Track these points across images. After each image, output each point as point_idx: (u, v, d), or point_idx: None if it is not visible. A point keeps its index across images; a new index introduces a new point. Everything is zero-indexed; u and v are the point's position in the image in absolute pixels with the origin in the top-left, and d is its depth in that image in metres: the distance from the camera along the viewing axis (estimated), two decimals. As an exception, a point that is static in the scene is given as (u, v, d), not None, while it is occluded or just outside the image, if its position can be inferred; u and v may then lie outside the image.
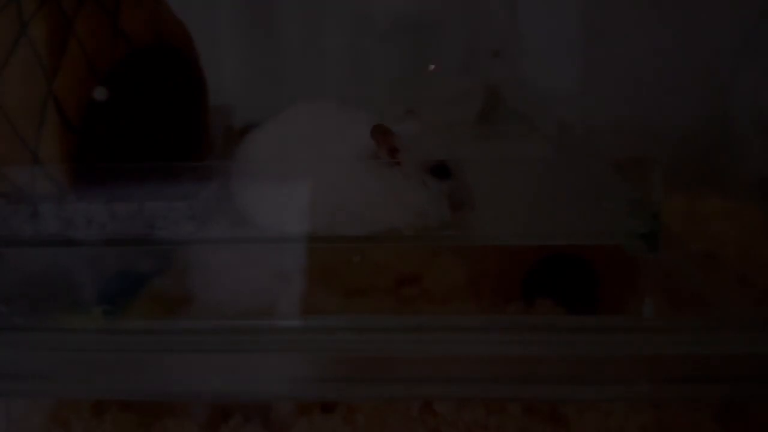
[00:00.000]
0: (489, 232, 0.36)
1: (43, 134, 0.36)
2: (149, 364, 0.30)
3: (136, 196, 0.34)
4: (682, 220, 0.49)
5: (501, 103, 0.53)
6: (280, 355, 0.30)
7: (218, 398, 0.34)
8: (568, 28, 0.55)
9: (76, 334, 0.31)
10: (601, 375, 0.30)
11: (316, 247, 0.35)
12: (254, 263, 0.38)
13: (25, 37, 0.35)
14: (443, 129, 0.49)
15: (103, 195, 0.35)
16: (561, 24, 0.55)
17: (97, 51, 0.36)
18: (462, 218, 0.34)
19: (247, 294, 0.36)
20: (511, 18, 0.56)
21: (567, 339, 0.30)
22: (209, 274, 0.38)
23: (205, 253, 0.37)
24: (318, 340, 0.31)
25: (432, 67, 0.36)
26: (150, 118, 0.39)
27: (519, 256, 0.42)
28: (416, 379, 0.30)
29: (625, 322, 0.32)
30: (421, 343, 0.30)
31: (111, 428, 0.35)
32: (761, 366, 0.30)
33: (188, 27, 0.42)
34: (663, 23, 0.53)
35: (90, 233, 0.34)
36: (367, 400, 0.34)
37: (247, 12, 0.56)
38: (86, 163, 0.36)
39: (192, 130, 0.43)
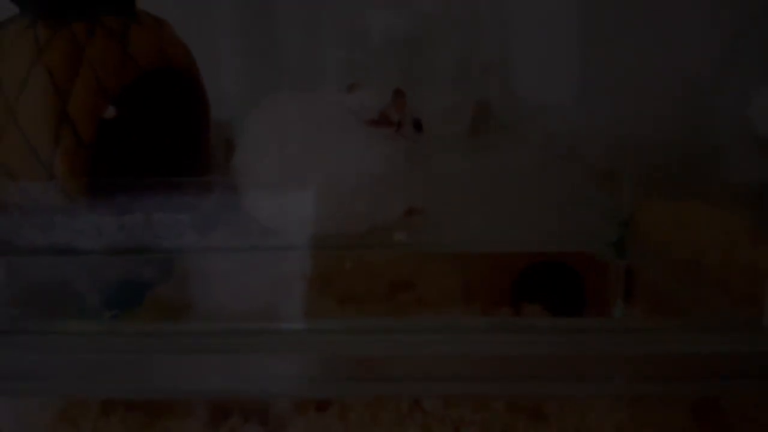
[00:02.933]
0: (472, 239, 0.37)
1: (58, 151, 0.37)
2: (154, 365, 0.32)
3: (143, 208, 0.36)
4: (667, 227, 0.50)
5: (490, 116, 0.55)
6: (278, 356, 0.32)
7: (220, 397, 0.36)
8: (555, 43, 0.56)
9: (84, 337, 0.32)
10: (581, 373, 0.31)
11: (313, 254, 0.37)
12: (254, 271, 0.39)
13: (41, 62, 0.37)
14: (435, 141, 0.51)
15: (112, 207, 0.36)
16: (548, 39, 0.56)
17: (108, 74, 0.38)
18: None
19: (246, 300, 0.37)
20: (501, 34, 0.58)
21: (549, 340, 0.32)
22: (210, 281, 0.39)
23: (206, 261, 0.39)
24: (313, 341, 0.32)
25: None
26: (156, 135, 0.41)
27: (508, 263, 0.43)
28: (406, 378, 0.31)
29: (604, 323, 0.34)
30: (409, 343, 0.32)
31: (117, 427, 0.36)
32: (733, 364, 0.31)
33: (191, 48, 0.44)
34: (647, 34, 0.54)
35: (100, 243, 0.36)
36: (360, 398, 0.35)
37: (247, 32, 0.58)
38: (97, 177, 0.38)
39: (195, 145, 0.44)
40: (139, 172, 0.37)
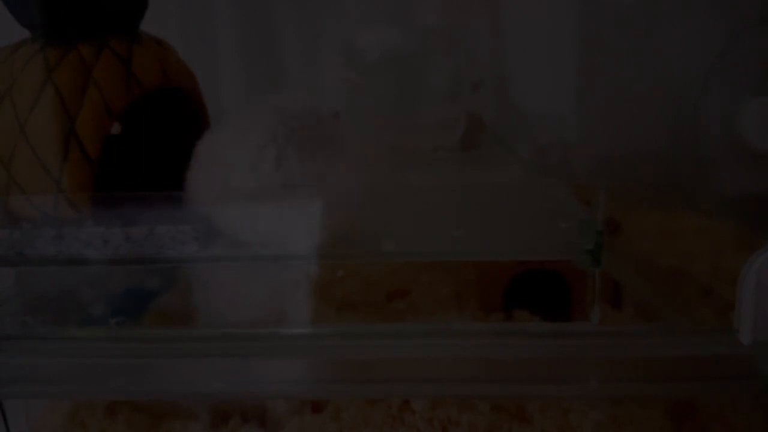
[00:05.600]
0: (462, 249, 0.39)
1: (66, 166, 0.39)
2: (158, 369, 0.33)
3: (146, 220, 0.37)
4: (655, 236, 0.51)
5: (483, 130, 0.56)
6: (278, 360, 0.33)
7: (221, 399, 0.37)
8: (547, 58, 0.57)
9: (91, 342, 0.34)
10: (564, 375, 0.32)
11: (311, 264, 0.38)
12: (253, 280, 0.41)
13: (50, 82, 0.39)
14: (428, 153, 0.53)
15: (117, 219, 0.37)
16: (538, 54, 0.58)
17: (113, 94, 0.40)
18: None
19: (246, 308, 0.39)
20: (493, 51, 0.60)
21: (534, 343, 0.33)
22: (212, 289, 0.41)
23: (208, 270, 0.40)
24: (312, 346, 0.33)
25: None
26: (159, 151, 0.42)
27: (499, 271, 0.44)
28: (396, 380, 0.33)
29: (586, 327, 0.35)
30: (399, 347, 0.33)
31: (123, 428, 0.38)
32: (709, 366, 0.32)
33: (193, 67, 0.46)
34: (634, 48, 0.55)
35: (106, 253, 0.37)
36: (353, 399, 0.36)
37: (246, 51, 0.59)
38: (103, 191, 0.40)
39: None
40: (142, 185, 0.38)
